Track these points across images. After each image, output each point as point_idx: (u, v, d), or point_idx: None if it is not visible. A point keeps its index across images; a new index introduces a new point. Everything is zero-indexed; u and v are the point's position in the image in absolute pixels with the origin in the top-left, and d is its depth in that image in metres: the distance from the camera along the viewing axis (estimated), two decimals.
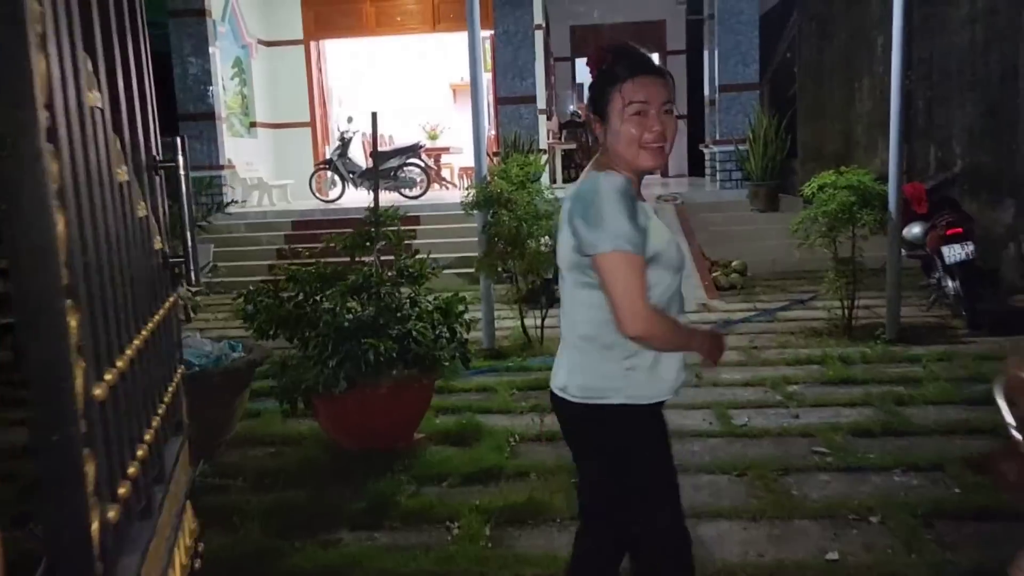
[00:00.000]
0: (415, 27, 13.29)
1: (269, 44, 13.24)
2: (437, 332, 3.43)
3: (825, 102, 12.88)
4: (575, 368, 1.86)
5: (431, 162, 14.57)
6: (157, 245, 1.69)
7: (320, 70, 14.59)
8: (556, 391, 1.91)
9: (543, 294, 6.44)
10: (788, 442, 3.72)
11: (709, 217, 10.03)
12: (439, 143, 14.85)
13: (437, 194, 13.50)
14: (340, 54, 15.29)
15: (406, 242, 3.81)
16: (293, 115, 13.41)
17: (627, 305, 1.70)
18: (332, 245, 3.82)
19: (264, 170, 12.49)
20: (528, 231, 5.40)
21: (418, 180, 12.01)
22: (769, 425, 3.93)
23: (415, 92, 16.46)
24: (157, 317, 1.65)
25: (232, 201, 10.90)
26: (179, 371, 1.89)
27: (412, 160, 11.86)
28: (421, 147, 11.98)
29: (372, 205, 3.93)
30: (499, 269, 5.65)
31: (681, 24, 16.74)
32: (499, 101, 10.51)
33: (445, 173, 15.22)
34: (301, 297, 3.52)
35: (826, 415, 4.04)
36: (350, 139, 11.97)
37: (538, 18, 12.81)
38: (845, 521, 2.93)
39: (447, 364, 3.53)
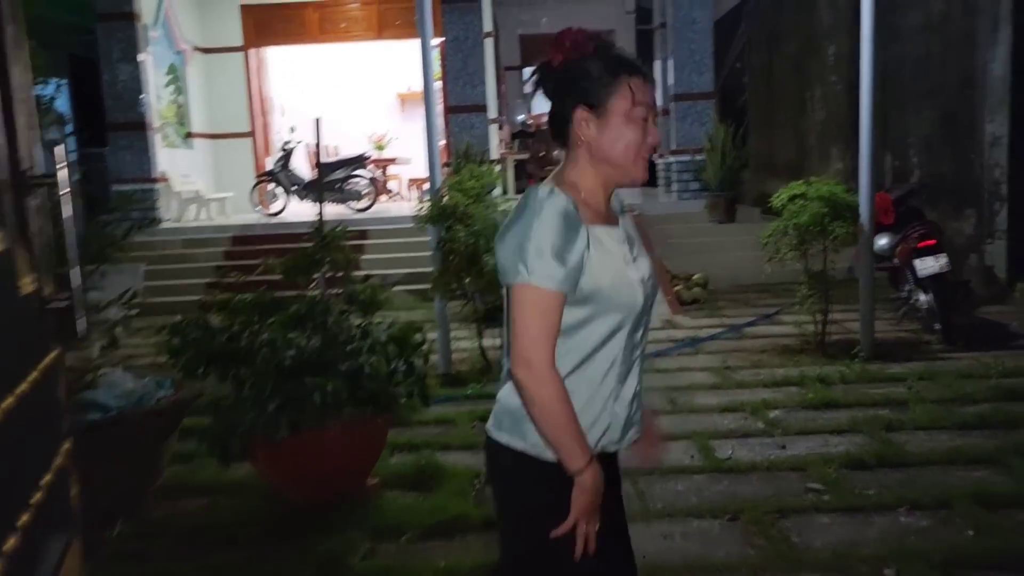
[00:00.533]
0: (360, 34, 12.85)
1: (207, 51, 12.64)
2: (392, 366, 3.04)
3: (776, 112, 12.84)
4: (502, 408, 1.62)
5: (378, 173, 14.13)
6: (27, 287, 1.28)
7: (261, 78, 14.05)
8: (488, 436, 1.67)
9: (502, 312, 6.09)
10: (779, 478, 3.42)
11: (667, 229, 9.80)
12: (386, 154, 14.40)
13: (385, 206, 13.06)
14: (282, 62, 14.75)
15: (356, 262, 3.39)
16: (233, 125, 12.83)
17: (517, 345, 1.47)
18: (271, 267, 3.38)
19: (201, 183, 11.88)
20: (486, 247, 5.03)
21: (365, 192, 11.55)
22: (756, 458, 3.62)
23: (361, 101, 16.00)
24: (26, 383, 1.24)
25: (158, 219, 10.33)
26: (66, 445, 1.47)
27: (358, 171, 11.40)
28: (367, 158, 11.54)
29: (317, 222, 3.50)
30: (455, 288, 5.26)
31: (631, 34, 16.63)
32: (450, 110, 10.14)
33: (393, 185, 14.79)
34: (236, 328, 3.08)
35: (814, 445, 3.75)
36: (292, 150, 11.46)
37: (488, 26, 12.50)
38: (857, 574, 2.62)
39: (404, 401, 3.14)
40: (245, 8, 12.63)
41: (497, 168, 10.20)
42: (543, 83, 1.60)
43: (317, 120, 4.01)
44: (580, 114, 1.55)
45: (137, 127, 10.25)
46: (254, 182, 11.59)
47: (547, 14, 16.51)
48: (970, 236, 7.35)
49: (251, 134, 12.89)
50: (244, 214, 11.89)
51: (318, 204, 10.32)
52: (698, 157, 9.99)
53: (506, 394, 1.57)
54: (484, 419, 4.43)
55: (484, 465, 1.68)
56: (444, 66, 10.12)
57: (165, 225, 10.57)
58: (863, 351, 5.22)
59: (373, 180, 11.53)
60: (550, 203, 1.49)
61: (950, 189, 7.29)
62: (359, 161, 11.35)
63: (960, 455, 3.50)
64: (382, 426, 3.23)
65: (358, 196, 11.45)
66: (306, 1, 12.59)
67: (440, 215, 5.11)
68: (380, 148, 14.58)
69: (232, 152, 12.79)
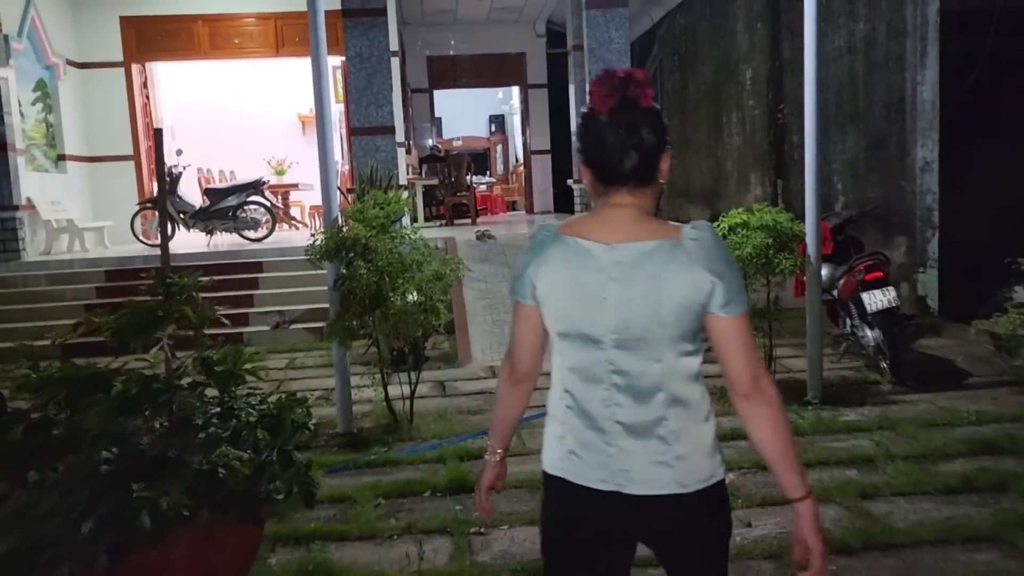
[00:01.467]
0: (256, 51, 11.97)
1: (82, 66, 11.49)
2: (264, 458, 2.29)
3: (691, 137, 12.61)
4: (693, 453, 1.55)
5: (277, 200, 13.18)
6: None
7: (147, 96, 12.94)
8: (657, 494, 1.52)
9: (412, 356, 5.37)
10: (752, 570, 2.82)
11: None
12: (286, 179, 13.48)
13: (285, 235, 12.12)
14: (173, 80, 13.69)
15: (212, 317, 2.63)
16: (113, 147, 11.70)
17: None
18: (98, 325, 2.59)
19: (76, 210, 10.70)
20: (392, 285, 4.32)
21: (262, 220, 10.62)
22: None
23: (259, 123, 15.05)
24: None
25: (20, 252, 9.16)
26: None
27: (254, 198, 10.47)
28: (264, 183, 10.63)
29: (159, 266, 2.73)
30: (356, 331, 4.52)
31: (541, 57, 16.27)
32: (352, 132, 9.38)
33: (295, 212, 13.87)
34: (46, 414, 2.27)
35: (784, 519, 3.18)
36: (180, 174, 10.44)
37: (393, 44, 11.82)
38: None
39: (281, 499, 2.39)
40: (125, 20, 11.57)
41: (405, 194, 9.51)
42: (635, 123, 1.52)
43: (158, 131, 3.21)
44: (668, 154, 1.59)
45: None
46: (136, 209, 10.49)
47: (456, 36, 15.98)
48: (901, 264, 7.08)
49: (134, 157, 11.76)
50: (125, 245, 10.76)
51: (208, 234, 9.39)
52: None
53: (700, 441, 1.57)
54: (390, 496, 3.75)
55: (659, 525, 1.57)
56: (346, 86, 9.35)
57: (30, 258, 9.38)
58: (812, 395, 4.74)
59: (271, 207, 10.62)
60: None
61: (879, 216, 7.01)
62: (255, 187, 10.43)
63: (955, 531, 2.98)
64: (252, 532, 2.47)
65: (254, 225, 10.51)
66: (195, 14, 11.64)
67: (337, 249, 4.36)
68: (280, 173, 13.66)
69: (112, 176, 11.64)
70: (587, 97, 1.59)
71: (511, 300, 1.65)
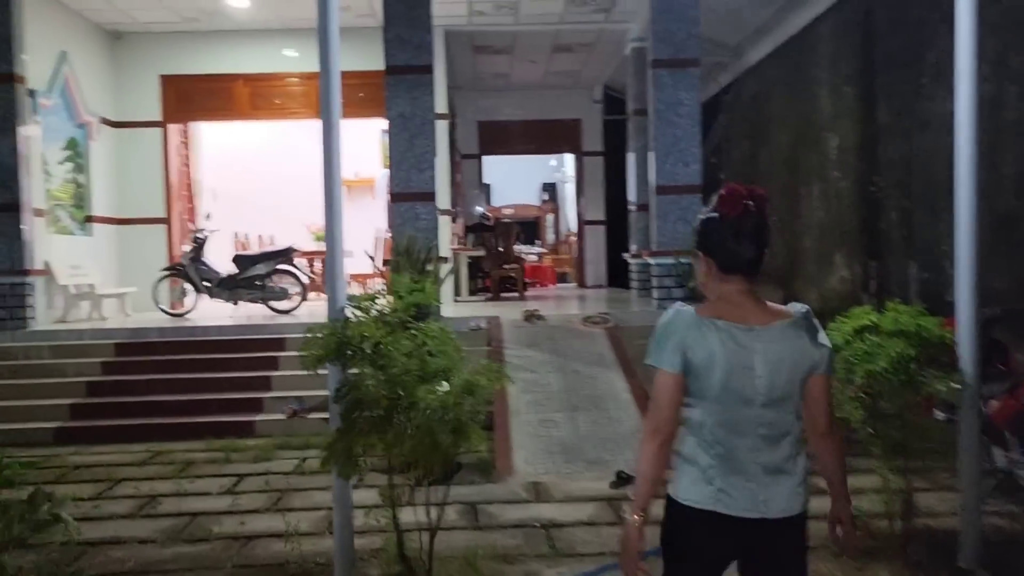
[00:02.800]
0: (297, 111, 11.37)
1: (118, 125, 10.99)
2: None
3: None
4: (804, 480, 1.99)
5: (312, 267, 12.43)
6: None
7: (186, 157, 12.42)
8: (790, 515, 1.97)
9: (444, 478, 4.27)
10: None
11: (644, 343, 8.17)
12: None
13: (316, 306, 11.27)
14: (213, 139, 13.20)
15: None
16: (145, 209, 11.09)
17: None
18: None
19: (98, 276, 10.01)
20: (409, 399, 3.28)
21: (291, 291, 9.80)
22: None
23: (302, 186, 14.37)
24: None
25: (29, 320, 8.43)
26: None
27: (283, 267, 9.67)
28: (295, 251, 9.83)
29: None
30: (362, 457, 3.47)
31: (597, 124, 15.47)
32: (392, 198, 8.55)
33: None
34: None
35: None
36: (205, 239, 9.71)
37: (441, 106, 11.10)
38: None
39: None
40: (166, 79, 11.09)
41: (447, 267, 8.59)
42: (756, 226, 1.97)
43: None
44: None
45: (6, 209, 8.43)
46: (158, 277, 9.76)
47: (508, 101, 15.32)
48: None
49: (166, 220, 11.12)
50: (147, 313, 10.01)
51: (233, 304, 8.53)
52: (683, 260, 8.47)
53: (807, 468, 2.01)
54: None
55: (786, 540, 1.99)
56: (389, 147, 8.58)
57: (40, 327, 8.64)
58: (963, 559, 3.52)
59: (300, 276, 9.79)
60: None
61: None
62: (284, 255, 9.64)
63: None
64: None
65: (282, 295, 9.69)
66: (235, 73, 11.11)
67: (339, 350, 3.35)
68: (320, 239, 12.91)
69: (142, 240, 11.01)
70: (715, 202, 2.04)
71: (653, 368, 2.00)
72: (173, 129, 11.31)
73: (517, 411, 6.53)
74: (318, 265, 12.88)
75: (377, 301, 3.63)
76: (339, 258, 3.69)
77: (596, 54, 12.99)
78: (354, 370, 3.47)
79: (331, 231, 3.66)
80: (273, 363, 7.83)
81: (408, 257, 7.90)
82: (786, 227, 10.62)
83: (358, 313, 3.53)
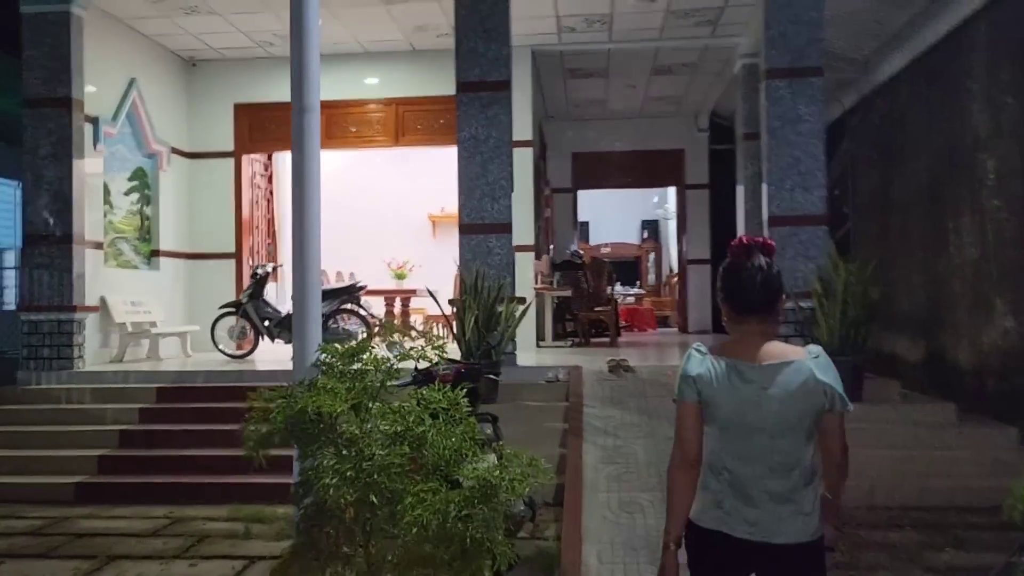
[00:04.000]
0: (374, 139, 10.65)
1: (190, 156, 10.56)
2: None
3: (895, 249, 9.91)
4: (813, 509, 2.16)
5: (391, 307, 11.59)
6: None
7: (270, 192, 11.96)
8: (796, 542, 2.13)
9: None
10: None
11: None
12: (407, 283, 11.86)
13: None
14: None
15: None
16: (215, 243, 10.55)
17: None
18: None
19: (161, 312, 9.46)
20: (393, 507, 2.16)
21: (357, 332, 8.93)
22: None
23: (387, 221, 13.79)
24: None
25: (76, 359, 7.83)
26: None
27: (348, 306, 8.81)
28: (361, 288, 8.97)
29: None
30: None
31: (703, 154, 14.16)
32: (461, 229, 7.58)
33: (416, 320, 12.23)
34: None
35: None
36: (266, 275, 8.99)
37: (524, 132, 10.14)
38: None
39: None
40: (240, 108, 10.60)
41: (523, 308, 7.50)
42: (766, 274, 2.22)
43: None
44: (784, 297, 2.31)
45: (61, 241, 7.92)
46: (216, 316, 9.10)
47: (604, 132, 14.24)
48: None
49: (236, 255, 10.54)
50: (210, 353, 9.35)
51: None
52: (804, 304, 7.08)
53: (817, 499, 2.18)
54: None
55: (791, 566, 2.14)
56: (459, 173, 7.64)
57: (88, 367, 8.06)
58: None
59: (367, 317, 8.91)
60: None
61: None
62: (348, 292, 8.79)
63: None
64: None
65: (347, 337, 8.81)
66: None
67: (294, 428, 2.28)
68: (400, 277, 12.11)
69: (210, 276, 10.46)
70: (728, 252, 2.32)
71: (677, 402, 2.24)
72: (247, 160, 10.77)
73: (594, 486, 5.31)
74: (399, 305, 12.11)
75: (366, 356, 2.53)
76: (311, 296, 2.65)
77: (700, 75, 11.77)
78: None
79: (303, 262, 2.62)
80: None
81: (475, 296, 6.86)
82: (926, 267, 9.00)
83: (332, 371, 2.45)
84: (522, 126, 10.16)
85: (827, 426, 2.19)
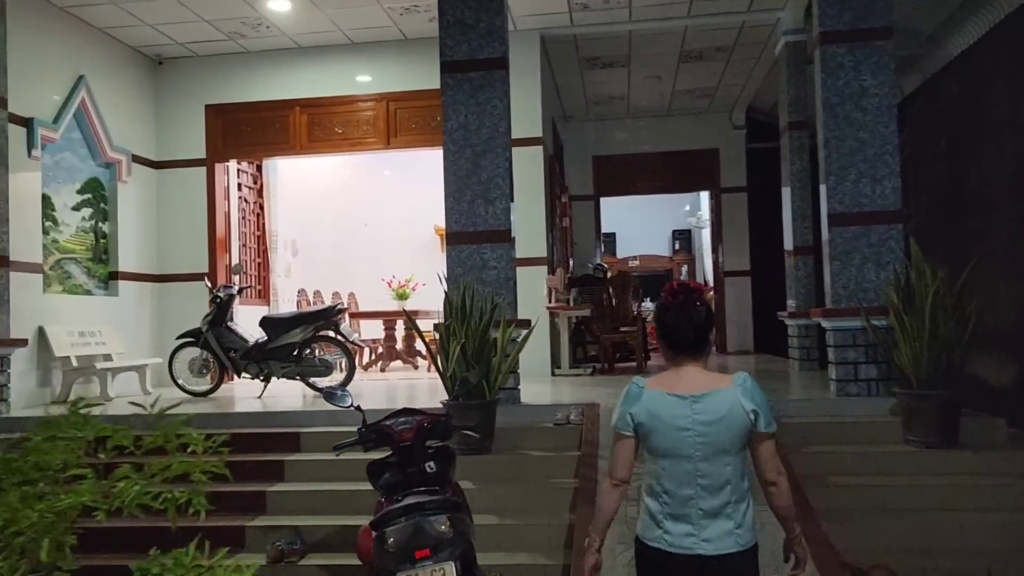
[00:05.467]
0: (362, 142, 9.38)
1: (158, 165, 9.37)
2: None
3: (970, 253, 8.34)
4: (745, 522, 2.40)
5: (391, 332, 10.32)
6: None
7: (260, 206, 10.79)
8: (726, 553, 2.35)
9: None
10: None
11: (823, 452, 5.34)
12: (410, 304, 10.54)
13: (380, 385, 9.01)
14: (292, 182, 11.55)
15: None
16: (189, 263, 9.32)
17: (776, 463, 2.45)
18: None
19: (119, 344, 8.23)
20: None
21: (336, 363, 7.60)
22: None
23: (393, 237, 12.57)
24: None
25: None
26: None
27: (325, 332, 7.49)
28: (340, 311, 7.63)
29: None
30: None
31: (739, 154, 12.70)
32: (449, 239, 6.23)
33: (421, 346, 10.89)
34: None
35: None
36: (230, 298, 7.70)
37: (534, 129, 8.81)
38: None
39: None
40: (212, 110, 9.39)
41: (523, 332, 6.10)
42: (693, 315, 2.46)
43: None
44: (712, 332, 2.53)
45: None
46: (173, 347, 7.83)
47: (628, 131, 12.85)
48: None
49: (209, 275, 9.28)
50: (176, 390, 8.06)
51: (263, 380, 6.40)
52: (878, 323, 5.59)
53: (749, 513, 2.41)
54: None
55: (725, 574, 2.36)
56: (445, 170, 6.29)
57: (20, 411, 6.83)
58: None
59: (347, 344, 7.56)
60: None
61: None
62: (326, 316, 7.45)
63: None
64: None
65: (323, 369, 7.49)
66: (290, 99, 9.26)
67: None
68: (402, 297, 10.82)
69: (181, 301, 9.21)
70: (661, 294, 2.55)
71: (615, 432, 2.47)
72: (222, 169, 9.54)
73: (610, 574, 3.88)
74: (400, 330, 10.80)
75: None
76: None
77: (736, 61, 10.33)
78: None
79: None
80: (275, 471, 5.54)
81: (462, 320, 5.48)
82: (1015, 275, 7.43)
83: None
84: (531, 121, 8.85)
85: (759, 449, 2.39)
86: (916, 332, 5.28)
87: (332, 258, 12.64)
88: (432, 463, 3.66)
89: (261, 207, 11.18)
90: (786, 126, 8.79)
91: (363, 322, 11.39)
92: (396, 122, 9.17)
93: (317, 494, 5.29)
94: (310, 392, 7.55)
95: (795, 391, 6.90)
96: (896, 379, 5.58)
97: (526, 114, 8.82)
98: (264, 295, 11.24)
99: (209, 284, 7.78)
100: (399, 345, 10.76)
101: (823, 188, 6.08)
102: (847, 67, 5.97)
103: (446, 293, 5.73)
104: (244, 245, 10.65)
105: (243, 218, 10.59)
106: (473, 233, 6.17)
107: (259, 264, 11.24)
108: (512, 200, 6.30)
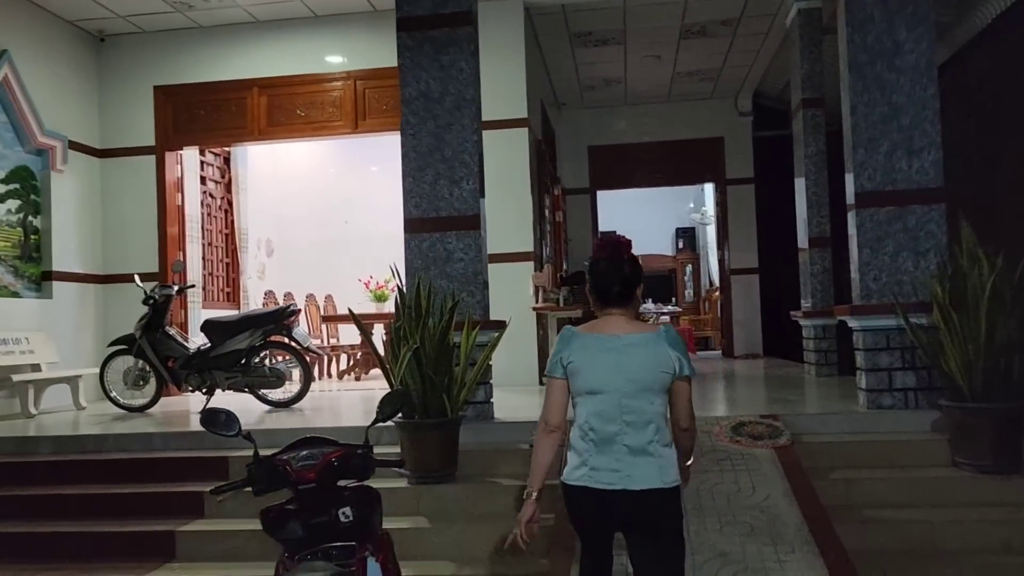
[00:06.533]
0: (327, 126, 8.44)
1: (102, 153, 8.47)
2: None
3: (1009, 241, 7.39)
4: (668, 462, 2.45)
5: (368, 338, 9.35)
6: None
7: (228, 201, 9.93)
8: (651, 488, 2.38)
9: None
10: None
11: (854, 479, 4.40)
12: (388, 306, 9.59)
13: (354, 395, 8.07)
14: (263, 175, 10.68)
15: None
16: (138, 262, 8.37)
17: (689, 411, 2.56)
18: None
19: (52, 352, 7.31)
20: None
21: (289, 373, 6.67)
22: None
23: (375, 235, 11.63)
24: None
25: None
26: None
27: (276, 338, 6.56)
28: (294, 313, 6.70)
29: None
30: None
31: (746, 143, 11.76)
32: (408, 226, 5.30)
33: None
34: None
35: None
36: (167, 299, 6.77)
37: (519, 109, 7.90)
38: None
39: None
40: (162, 92, 8.48)
41: (495, 335, 5.16)
42: (628, 270, 2.56)
43: None
44: (640, 287, 2.59)
45: None
46: (105, 355, 6.91)
47: (626, 118, 11.92)
48: None
49: (158, 275, 8.34)
50: (103, 404, 7.12)
51: (206, 393, 5.51)
52: (919, 320, 4.65)
53: (673, 458, 2.46)
54: None
55: (649, 509, 2.40)
56: (403, 146, 5.37)
57: None
58: None
59: (301, 352, 6.63)
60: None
61: None
62: (275, 320, 6.51)
63: None
64: None
65: (275, 380, 6.55)
66: (248, 79, 8.35)
67: None
68: (381, 299, 9.89)
69: (130, 304, 8.23)
70: (592, 249, 2.66)
71: (547, 378, 2.53)
72: (174, 158, 8.61)
73: None
74: (381, 334, 9.85)
75: None
76: None
77: (742, 37, 9.40)
78: None
79: None
80: (194, 506, 4.59)
81: (417, 322, 4.54)
82: None
83: None
84: (514, 101, 7.95)
85: (676, 391, 2.48)
86: (968, 332, 4.33)
87: (312, 258, 11.74)
88: (347, 510, 2.72)
89: (230, 203, 10.28)
90: (799, 104, 7.84)
91: (342, 326, 10.51)
92: (365, 103, 8.25)
93: (241, 535, 4.33)
94: (260, 407, 6.62)
95: (816, 402, 5.94)
96: (941, 388, 4.63)
97: (509, 93, 7.92)
98: (234, 298, 10.34)
99: (141, 283, 6.83)
100: (386, 353, 9.82)
101: (849, 163, 5.12)
102: (877, 19, 5.02)
103: (398, 289, 4.78)
104: (210, 244, 9.76)
105: (209, 214, 9.70)
106: (435, 219, 5.24)
107: (227, 264, 10.35)
108: (482, 181, 5.37)
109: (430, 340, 4.52)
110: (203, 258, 9.43)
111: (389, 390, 4.54)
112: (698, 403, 6.78)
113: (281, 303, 10.21)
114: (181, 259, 7.44)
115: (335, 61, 8.28)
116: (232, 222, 10.30)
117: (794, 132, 8.11)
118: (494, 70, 7.87)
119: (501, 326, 5.04)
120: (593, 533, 2.53)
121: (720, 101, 11.74)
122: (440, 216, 5.23)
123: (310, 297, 10.83)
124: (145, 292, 6.72)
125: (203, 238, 9.38)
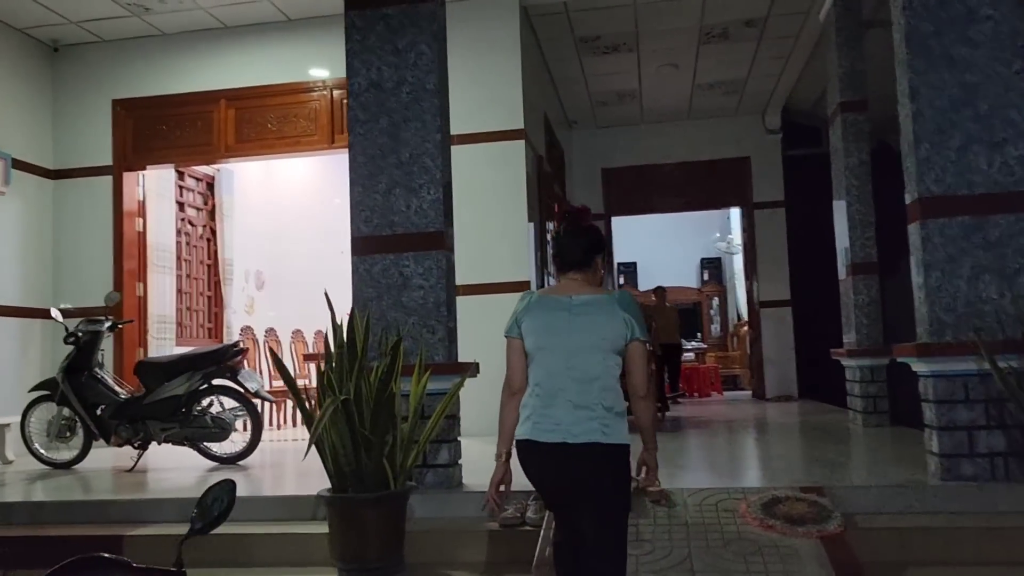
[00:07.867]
0: (299, 141, 7.52)
1: (56, 174, 7.64)
2: None
3: None
4: (613, 422, 2.39)
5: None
6: None
7: (211, 230, 9.12)
8: (593, 442, 2.34)
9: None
10: None
11: None
12: None
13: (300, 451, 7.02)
14: (254, 201, 9.84)
15: None
16: (95, 294, 7.46)
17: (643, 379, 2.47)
18: None
19: None
20: None
21: (235, 423, 5.66)
22: None
23: (334, 257, 10.61)
24: None
25: None
26: None
27: (220, 381, 5.56)
28: (239, 352, 5.70)
29: None
30: None
31: (775, 163, 10.70)
32: (355, 247, 4.32)
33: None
34: None
35: None
36: (94, 337, 5.80)
37: (515, 120, 6.95)
38: None
39: None
40: (121, 106, 7.64)
41: (454, 383, 4.11)
42: (576, 234, 2.55)
43: None
44: (601, 256, 2.58)
45: None
46: (27, 403, 5.95)
47: (642, 137, 10.92)
48: None
49: (122, 312, 7.41)
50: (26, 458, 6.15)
51: (138, 447, 4.50)
52: (1007, 363, 3.51)
53: (621, 426, 2.38)
54: None
55: (589, 465, 2.34)
56: (351, 149, 4.40)
57: None
58: None
59: (248, 398, 5.61)
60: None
61: None
62: (216, 361, 5.52)
63: None
64: None
65: (219, 432, 5.54)
66: (214, 90, 7.49)
67: None
68: None
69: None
70: (555, 221, 2.72)
71: (507, 339, 2.52)
72: (132, 179, 7.75)
73: None
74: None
75: None
76: None
77: (769, 41, 8.38)
78: None
79: None
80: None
81: (351, 364, 3.51)
82: None
83: None
84: (509, 111, 7.01)
85: (630, 355, 2.45)
86: None
87: (305, 292, 10.81)
88: None
89: (213, 231, 9.42)
90: (837, 108, 6.78)
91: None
92: (343, 115, 7.34)
93: None
94: (203, 463, 5.61)
95: (871, 468, 4.76)
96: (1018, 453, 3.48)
97: (503, 102, 6.98)
98: (215, 334, 9.43)
99: (60, 318, 5.90)
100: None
101: (909, 162, 4.04)
102: None
103: (332, 325, 3.75)
104: (188, 276, 8.90)
105: (188, 243, 8.86)
106: (389, 237, 4.23)
107: (209, 299, 9.47)
108: (449, 190, 4.37)
109: (368, 389, 3.49)
110: (179, 290, 8.57)
111: (320, 455, 3.53)
112: (719, 465, 5.57)
113: (261, 339, 9.28)
114: (116, 292, 6.47)
115: (310, 70, 7.40)
116: (215, 252, 9.44)
117: (831, 142, 7.03)
118: (486, 75, 6.98)
119: (463, 370, 3.99)
120: (550, 498, 2.52)
121: (746, 117, 10.71)
122: (395, 233, 4.22)
123: (296, 333, 9.87)
124: (66, 328, 5.77)
125: (179, 268, 8.52)
